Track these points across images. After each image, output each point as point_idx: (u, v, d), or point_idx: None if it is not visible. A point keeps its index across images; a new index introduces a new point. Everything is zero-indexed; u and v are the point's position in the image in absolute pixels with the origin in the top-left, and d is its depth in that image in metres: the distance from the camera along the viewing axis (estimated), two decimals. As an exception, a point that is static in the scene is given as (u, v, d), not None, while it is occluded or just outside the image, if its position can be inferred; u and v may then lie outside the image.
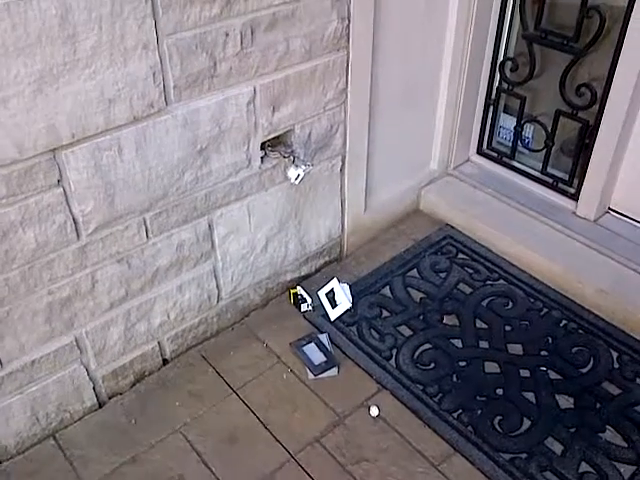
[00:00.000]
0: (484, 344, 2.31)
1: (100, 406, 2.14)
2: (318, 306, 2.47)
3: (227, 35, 1.84)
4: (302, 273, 2.59)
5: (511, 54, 2.72)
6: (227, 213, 2.17)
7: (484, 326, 2.37)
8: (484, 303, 2.47)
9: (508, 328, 2.36)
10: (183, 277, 2.17)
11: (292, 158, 2.15)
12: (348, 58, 2.22)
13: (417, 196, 2.91)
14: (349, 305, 2.43)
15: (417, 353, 2.28)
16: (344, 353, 2.30)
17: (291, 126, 2.18)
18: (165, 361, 2.30)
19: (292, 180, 2.16)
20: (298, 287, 2.53)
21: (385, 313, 2.45)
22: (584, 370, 2.22)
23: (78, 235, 1.81)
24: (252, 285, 2.42)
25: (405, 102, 2.61)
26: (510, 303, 2.47)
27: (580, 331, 2.36)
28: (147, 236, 1.99)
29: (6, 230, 1.67)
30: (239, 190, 2.15)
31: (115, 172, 1.80)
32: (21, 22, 1.47)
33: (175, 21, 1.72)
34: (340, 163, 2.44)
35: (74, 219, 1.78)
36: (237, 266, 2.31)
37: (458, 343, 2.31)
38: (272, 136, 2.15)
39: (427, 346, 2.31)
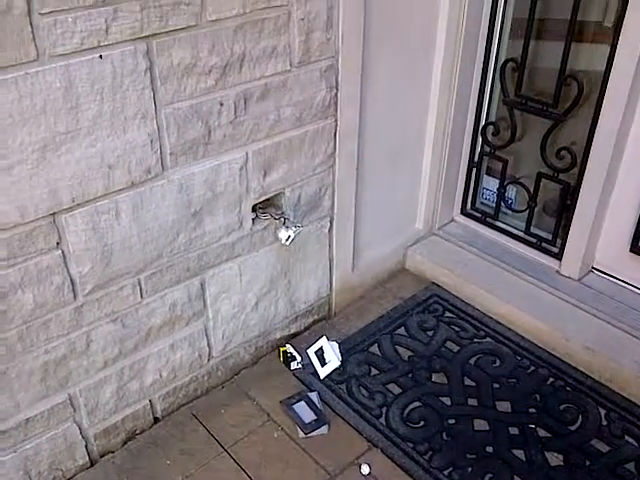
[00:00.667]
0: (473, 402, 2.36)
1: (92, 464, 2.17)
2: (308, 364, 2.52)
3: (221, 105, 1.95)
4: (292, 331, 2.65)
5: (493, 119, 2.83)
6: (219, 273, 2.24)
7: (472, 384, 2.43)
8: (472, 361, 2.54)
9: (496, 386, 2.42)
10: (175, 336, 2.23)
11: (283, 220, 2.24)
12: (336, 124, 2.33)
13: (403, 255, 2.99)
14: (338, 363, 2.49)
15: (407, 411, 2.33)
16: (334, 411, 2.35)
17: (282, 189, 2.27)
18: (156, 419, 2.34)
19: (283, 241, 2.25)
20: (288, 345, 2.59)
21: (374, 371, 2.51)
22: (573, 427, 2.27)
23: (75, 296, 1.88)
24: (242, 343, 2.48)
25: (391, 164, 2.73)
26: (497, 361, 2.54)
27: (568, 388, 2.42)
28: (141, 296, 2.06)
29: (6, 291, 1.73)
30: (231, 251, 2.23)
31: (112, 235, 1.88)
32: (27, 94, 1.57)
33: (173, 92, 1.82)
34: (329, 224, 2.53)
35: (72, 280, 1.85)
36: (228, 325, 2.38)
37: (447, 401, 2.37)
38: (263, 199, 2.24)
39: (416, 404, 2.36)
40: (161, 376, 2.26)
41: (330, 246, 2.60)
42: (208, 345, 2.36)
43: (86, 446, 2.14)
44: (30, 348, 1.86)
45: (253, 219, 2.25)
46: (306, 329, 2.72)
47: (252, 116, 2.04)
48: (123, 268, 1.96)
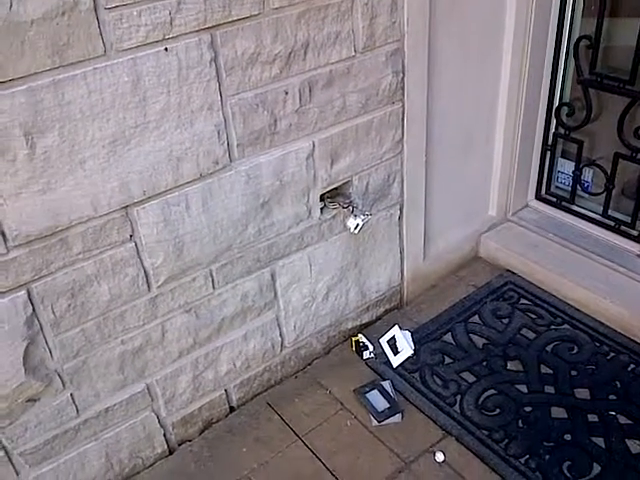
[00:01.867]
0: (550, 389, 2.29)
1: (170, 452, 2.20)
2: (380, 353, 2.50)
3: (286, 93, 1.94)
4: (363, 321, 2.63)
5: (567, 99, 2.74)
6: (289, 263, 2.23)
7: (549, 371, 2.36)
8: (548, 348, 2.46)
9: (574, 373, 2.34)
10: (248, 326, 2.24)
11: (351, 208, 2.22)
12: (403, 110, 2.29)
13: (476, 243, 2.93)
14: (411, 352, 2.46)
15: (481, 399, 2.28)
16: (407, 400, 2.32)
17: (349, 177, 2.25)
18: (232, 408, 2.36)
19: (351, 230, 2.22)
20: (360, 335, 2.57)
21: (448, 359, 2.46)
22: (655, 415, 2.17)
23: (149, 287, 1.91)
24: (314, 333, 2.47)
25: (461, 150, 2.66)
26: (575, 348, 2.45)
27: (650, 375, 2.31)
28: (213, 287, 2.07)
29: (83, 284, 1.77)
30: (300, 241, 2.22)
31: (183, 226, 1.90)
32: (96, 89, 1.59)
33: (237, 82, 1.82)
34: (398, 212, 2.49)
35: (145, 272, 1.88)
36: (299, 315, 2.37)
37: (523, 388, 2.30)
38: (331, 188, 2.22)
39: (492, 392, 2.30)
40: (235, 366, 2.27)
41: (400, 234, 2.56)
42: (280, 335, 2.36)
43: (164, 435, 2.17)
44: (107, 339, 1.90)
45: (321, 208, 2.23)
46: (378, 319, 2.69)
47: (317, 104, 2.03)
48: (195, 259, 1.97)
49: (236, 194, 1.97)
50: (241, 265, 2.10)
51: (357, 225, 2.19)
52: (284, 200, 2.10)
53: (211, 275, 2.04)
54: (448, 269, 2.87)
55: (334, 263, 2.37)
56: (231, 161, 1.91)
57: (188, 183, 1.85)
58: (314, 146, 2.08)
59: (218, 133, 1.84)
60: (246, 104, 1.86)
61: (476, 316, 2.65)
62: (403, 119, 2.30)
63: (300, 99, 1.97)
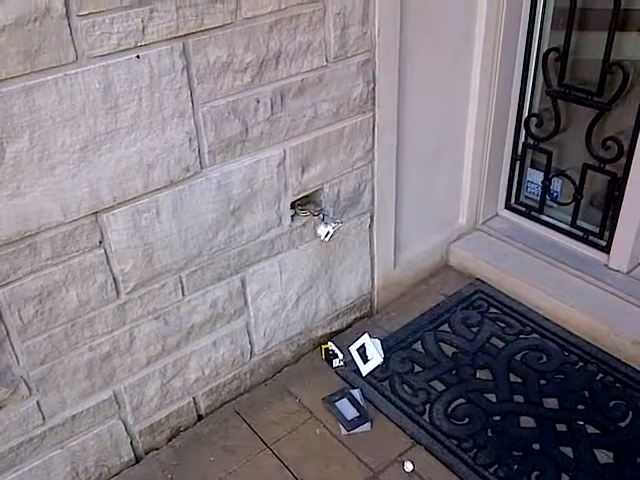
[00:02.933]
0: (519, 398, 2.35)
1: (137, 461, 2.23)
2: (350, 361, 2.54)
3: (258, 102, 1.99)
4: (333, 329, 2.68)
5: (536, 110, 2.80)
6: (259, 270, 2.27)
7: (518, 380, 2.42)
8: (517, 357, 2.51)
9: (543, 382, 2.40)
10: (217, 333, 2.27)
11: (322, 216, 2.27)
12: (374, 119, 2.35)
13: (446, 251, 2.98)
14: (381, 360, 2.51)
15: (451, 408, 2.33)
16: (377, 408, 2.36)
17: (320, 185, 2.30)
18: (200, 416, 2.38)
19: (322, 237, 2.27)
20: (329, 343, 2.61)
21: (417, 368, 2.51)
22: (623, 424, 2.24)
23: (118, 293, 1.94)
24: (284, 341, 2.51)
25: (432, 158, 2.73)
26: (544, 357, 2.51)
27: (617, 384, 2.38)
28: (183, 293, 2.10)
29: (51, 289, 1.80)
30: (270, 248, 2.26)
31: (153, 233, 1.93)
32: (67, 95, 1.62)
33: (209, 90, 1.87)
34: (369, 220, 2.55)
35: (114, 278, 1.91)
36: (269, 322, 2.41)
37: (492, 397, 2.36)
38: (302, 195, 2.27)
39: (461, 401, 2.36)
40: (204, 373, 2.30)
41: (371, 242, 2.62)
42: (250, 343, 2.39)
43: (131, 443, 2.19)
44: (75, 345, 1.92)
45: (292, 216, 2.28)
46: (348, 327, 2.74)
47: (289, 113, 2.07)
48: (165, 266, 2.00)
49: (207, 201, 2.00)
50: (211, 272, 2.14)
51: (328, 233, 2.24)
52: (255, 207, 2.14)
53: (181, 282, 2.07)
54: (418, 277, 2.92)
55: (304, 270, 2.42)
56: (202, 168, 1.95)
57: (159, 190, 1.89)
58: (285, 154, 2.13)
59: (189, 140, 1.88)
60: (218, 112, 1.90)
61: (446, 324, 2.70)
62: (374, 128, 2.36)
63: (272, 108, 2.02)
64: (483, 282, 2.91)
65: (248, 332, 2.36)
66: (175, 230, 1.97)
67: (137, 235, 1.89)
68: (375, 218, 2.57)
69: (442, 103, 2.62)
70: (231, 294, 2.23)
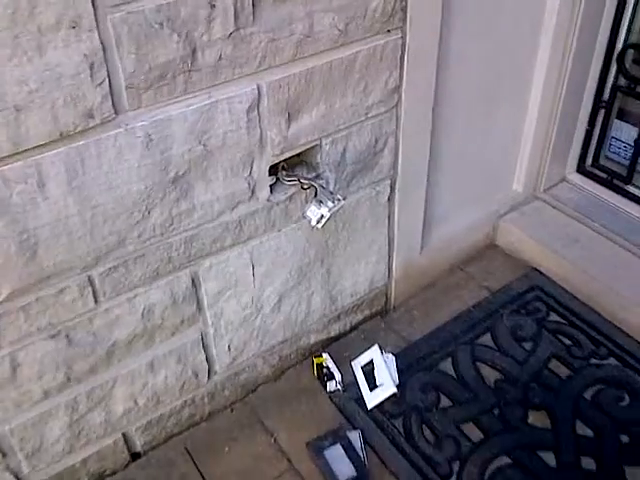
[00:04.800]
0: (589, 463, 1.70)
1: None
2: (351, 384, 1.93)
3: (213, 7, 1.28)
4: (331, 333, 2.05)
5: (635, 39, 2.15)
6: (220, 263, 1.63)
7: (588, 432, 1.77)
8: (587, 394, 1.86)
9: (625, 439, 1.75)
10: (156, 351, 1.66)
11: (315, 188, 1.57)
12: (404, 43, 1.66)
13: (493, 228, 2.35)
14: (394, 389, 1.87)
15: (489, 471, 1.70)
16: (382, 462, 1.75)
17: (316, 140, 1.62)
18: (136, 455, 1.80)
19: (312, 223, 1.58)
20: (325, 355, 1.99)
21: (444, 401, 1.88)
22: None
23: (-20, 305, 1.29)
24: (259, 353, 1.90)
25: (484, 103, 2.05)
26: (626, 397, 1.86)
27: None
28: (96, 300, 1.47)
29: None
30: (237, 232, 1.61)
31: (35, 215, 1.27)
32: None
33: (125, -16, 1.16)
34: (388, 190, 1.88)
35: (-30, 284, 1.26)
36: (237, 331, 1.78)
37: (550, 458, 1.72)
38: (287, 155, 1.60)
39: (504, 461, 1.72)
40: (137, 403, 1.69)
41: (390, 220, 1.96)
42: (207, 359, 1.77)
43: (28, 501, 1.59)
44: None
45: (272, 185, 1.61)
46: (353, 329, 2.12)
47: (266, 27, 1.38)
48: (60, 262, 1.36)
49: (129, 165, 1.33)
50: (141, 268, 1.49)
51: (321, 217, 1.56)
52: (211, 174, 1.47)
53: (91, 284, 1.43)
54: (453, 262, 2.28)
55: (290, 262, 1.77)
56: (117, 114, 1.27)
57: (40, 148, 1.21)
58: (260, 92, 1.45)
59: (91, 68, 1.19)
60: (141, 22, 1.22)
61: (488, 335, 2.07)
62: (402, 57, 1.67)
63: (236, 17, 1.32)
64: (542, 274, 2.25)
65: (204, 346, 1.73)
66: (75, 209, 1.31)
67: (6, 219, 1.23)
68: (397, 187, 1.90)
69: (505, 27, 1.92)
70: (176, 297, 1.59)
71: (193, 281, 1.61)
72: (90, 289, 1.44)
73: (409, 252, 2.11)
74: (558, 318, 2.11)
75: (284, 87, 1.48)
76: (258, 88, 1.44)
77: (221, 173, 1.49)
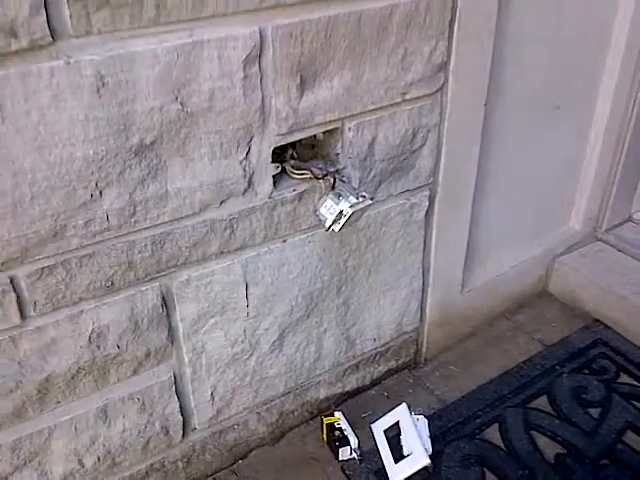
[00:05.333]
0: None
1: None
2: (370, 452, 1.51)
3: None
4: (347, 387, 1.62)
5: None
6: (202, 278, 1.21)
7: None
8: (675, 479, 1.41)
9: None
10: (110, 394, 1.20)
11: (332, 180, 1.15)
12: (454, 4, 1.24)
13: (547, 270, 1.97)
14: (426, 459, 1.42)
15: None
16: None
17: (337, 122, 1.22)
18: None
19: (327, 223, 1.16)
20: (337, 414, 1.56)
21: (491, 478, 1.43)
22: None
23: None
24: (253, 407, 1.43)
25: (542, 112, 1.70)
26: None
27: None
28: (22, 315, 1.03)
29: None
30: (227, 236, 1.18)
31: None
32: None
33: None
34: (426, 203, 1.46)
35: None
36: (223, 375, 1.34)
37: None
38: (298, 137, 1.19)
39: None
40: (83, 464, 1.25)
41: (426, 244, 1.53)
42: (182, 410, 1.33)
43: None
44: None
45: (276, 177, 1.18)
46: (374, 383, 1.70)
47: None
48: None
49: (70, 116, 0.94)
50: (90, 273, 1.07)
51: (340, 214, 1.13)
52: (192, 148, 1.06)
53: (14, 289, 1.03)
54: (500, 308, 1.91)
55: (296, 284, 1.34)
56: (55, 38, 0.90)
57: None
58: (263, 39, 1.05)
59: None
60: None
61: (544, 397, 1.67)
62: (452, 23, 1.30)
63: None
64: (607, 327, 1.87)
65: (178, 392, 1.30)
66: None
67: None
68: (438, 200, 1.46)
69: (570, 31, 1.58)
70: (138, 320, 1.16)
71: (164, 299, 1.19)
72: (13, 297, 1.03)
73: (448, 290, 1.69)
74: (631, 380, 1.71)
75: (297, 38, 1.09)
76: (261, 32, 1.05)
77: (206, 149, 1.09)
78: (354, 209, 1.12)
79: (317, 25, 1.10)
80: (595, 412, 1.60)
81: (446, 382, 1.70)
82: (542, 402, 1.63)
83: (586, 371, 1.72)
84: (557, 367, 1.73)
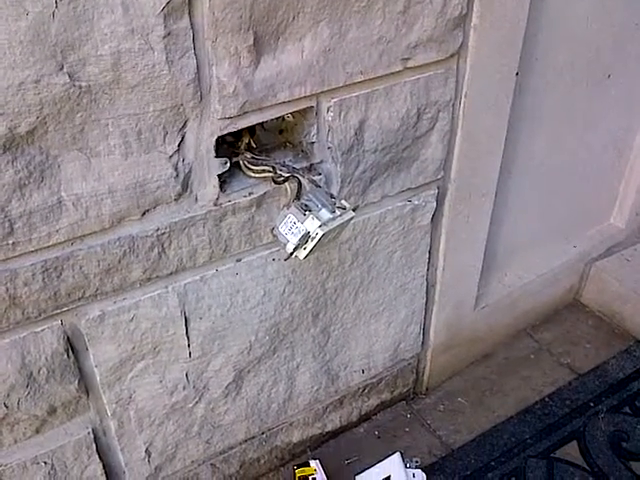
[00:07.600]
0: None
1: None
2: (353, 517, 1.19)
3: None
4: (328, 427, 1.37)
5: None
6: (121, 312, 0.93)
7: None
8: None
9: None
10: (3, 458, 0.89)
11: (297, 181, 0.83)
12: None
13: (580, 277, 1.72)
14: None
15: None
16: None
17: (310, 99, 0.90)
18: None
19: (288, 247, 0.84)
20: (314, 463, 1.28)
21: None
22: None
23: None
24: (205, 459, 1.15)
25: (583, 90, 1.40)
26: None
27: None
28: None
29: None
30: (155, 256, 0.90)
31: None
32: None
33: None
34: (433, 204, 1.17)
35: None
36: (161, 427, 1.06)
37: None
38: (254, 121, 0.88)
39: None
40: None
41: (432, 254, 1.23)
42: (107, 471, 1.02)
43: None
44: None
45: (224, 175, 0.88)
46: (362, 420, 1.43)
47: None
48: None
49: None
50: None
51: (304, 238, 0.80)
52: (96, 138, 0.77)
53: None
54: (519, 325, 1.63)
55: (256, 315, 1.05)
56: None
57: None
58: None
59: None
60: None
61: (574, 444, 1.40)
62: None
63: None
64: None
65: (101, 451, 1.02)
66: None
67: None
68: (448, 201, 1.15)
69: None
70: (32, 370, 0.89)
71: (69, 342, 0.89)
72: None
73: (458, 308, 1.41)
74: (685, 424, 1.38)
75: (248, -21, 0.75)
76: (191, -29, 0.72)
77: (117, 140, 0.77)
78: (327, 228, 0.80)
79: (278, -39, 0.77)
80: (639, 467, 1.30)
81: (452, 419, 1.43)
82: (571, 451, 1.40)
83: (627, 410, 1.47)
84: (591, 404, 1.50)
